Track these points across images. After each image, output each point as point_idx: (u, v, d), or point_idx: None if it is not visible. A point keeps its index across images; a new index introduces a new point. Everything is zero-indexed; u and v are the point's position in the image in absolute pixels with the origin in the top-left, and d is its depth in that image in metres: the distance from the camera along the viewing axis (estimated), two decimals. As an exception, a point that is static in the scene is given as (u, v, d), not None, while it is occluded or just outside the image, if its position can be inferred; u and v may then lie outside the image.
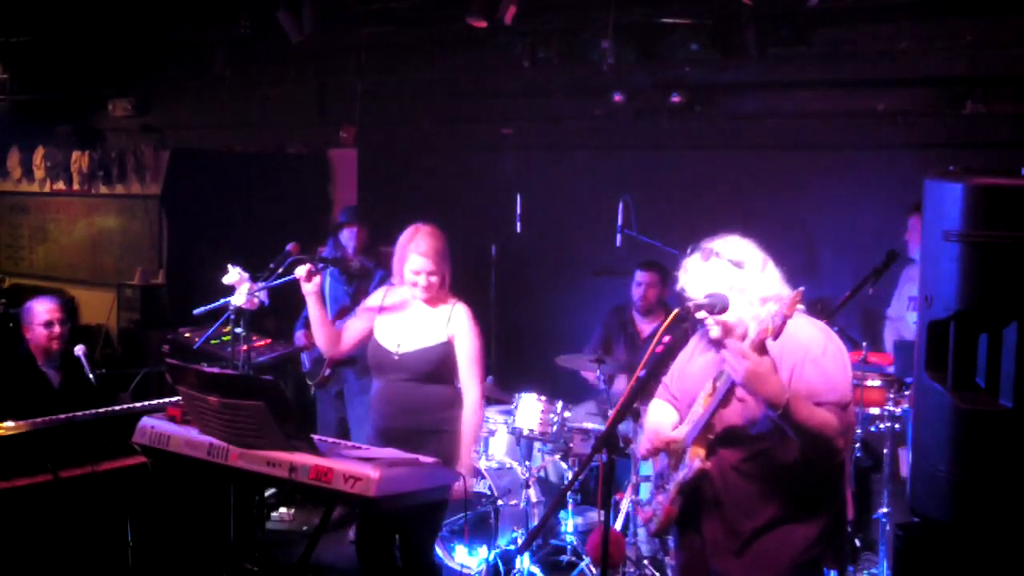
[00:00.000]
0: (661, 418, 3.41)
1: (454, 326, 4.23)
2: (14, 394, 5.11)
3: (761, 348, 2.93)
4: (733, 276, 3.13)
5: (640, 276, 6.19)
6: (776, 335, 2.90)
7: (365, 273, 5.80)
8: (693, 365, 3.34)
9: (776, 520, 3.13)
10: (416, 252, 4.18)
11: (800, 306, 3.12)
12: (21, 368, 5.30)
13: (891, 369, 5.10)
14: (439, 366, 4.22)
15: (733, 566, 3.19)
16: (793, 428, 2.98)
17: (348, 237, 6.14)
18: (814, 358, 3.09)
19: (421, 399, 4.21)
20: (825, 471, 3.15)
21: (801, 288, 3.02)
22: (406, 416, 4.20)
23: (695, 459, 3.14)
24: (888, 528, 4.87)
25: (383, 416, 4.28)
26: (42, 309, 5.32)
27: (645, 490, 5.26)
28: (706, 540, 3.24)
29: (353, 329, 4.37)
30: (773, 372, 2.93)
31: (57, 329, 5.32)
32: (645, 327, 6.26)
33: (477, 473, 5.45)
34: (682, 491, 3.20)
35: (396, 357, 4.23)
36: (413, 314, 4.28)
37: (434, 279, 4.21)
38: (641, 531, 5.31)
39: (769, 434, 3.08)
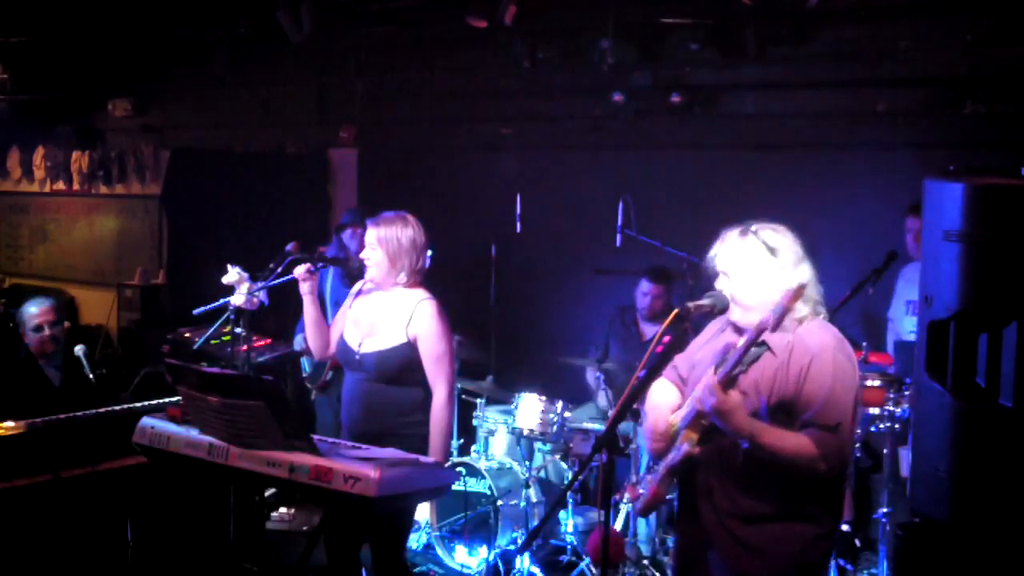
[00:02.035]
0: (661, 399, 3.39)
1: (416, 325, 4.10)
2: (16, 393, 5.10)
3: (728, 383, 2.98)
4: (764, 260, 3.12)
5: (647, 287, 6.16)
6: (774, 327, 2.91)
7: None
8: (704, 351, 3.33)
9: (769, 510, 3.11)
10: (371, 224, 4.19)
11: (820, 309, 3.12)
12: (22, 368, 5.29)
13: (891, 369, 5.10)
14: (400, 368, 4.10)
15: (729, 555, 3.18)
16: (765, 455, 2.99)
17: (350, 237, 6.12)
18: (817, 368, 3.03)
19: (383, 401, 4.11)
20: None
21: (803, 282, 3.01)
22: (368, 419, 4.13)
23: (685, 443, 3.14)
24: (888, 528, 4.87)
25: (348, 416, 4.23)
26: (32, 313, 5.31)
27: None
28: (703, 525, 3.24)
29: (335, 331, 4.34)
30: (738, 408, 2.97)
31: (47, 332, 5.28)
32: (648, 328, 6.26)
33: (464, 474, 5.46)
34: (671, 473, 3.19)
35: (357, 356, 4.17)
36: (378, 312, 4.20)
37: (375, 255, 4.15)
38: (642, 531, 5.31)
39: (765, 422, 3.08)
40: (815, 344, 3.06)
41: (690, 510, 3.27)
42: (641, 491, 3.31)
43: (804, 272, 3.14)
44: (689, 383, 3.37)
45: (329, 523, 4.21)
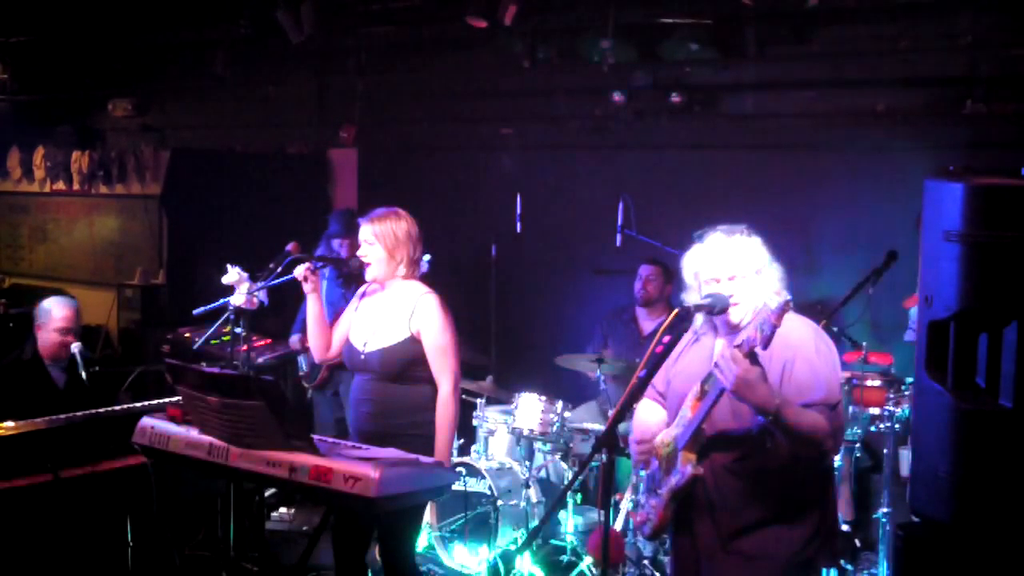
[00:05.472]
0: (647, 416, 3.42)
1: (418, 320, 4.11)
2: (20, 394, 5.07)
3: (752, 355, 2.94)
4: (760, 256, 3.19)
5: (642, 270, 6.28)
6: (765, 345, 2.89)
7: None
8: (681, 363, 3.33)
9: (767, 519, 3.13)
10: (364, 222, 4.20)
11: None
12: (28, 368, 5.25)
13: (892, 369, 5.11)
14: (405, 364, 4.10)
15: (725, 566, 3.18)
16: (783, 432, 2.98)
17: (339, 244, 6.10)
18: (805, 356, 3.09)
19: (391, 400, 4.11)
20: (814, 468, 3.18)
21: (788, 299, 3.01)
22: (376, 418, 4.13)
23: (687, 465, 3.13)
24: (888, 528, 4.87)
25: (355, 416, 4.24)
26: (61, 315, 5.17)
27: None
28: (698, 541, 3.23)
29: (338, 333, 4.34)
30: (762, 380, 2.93)
31: (71, 338, 5.20)
32: (647, 324, 6.27)
33: (475, 472, 5.46)
34: (675, 496, 3.19)
35: (362, 356, 4.17)
36: (381, 311, 4.21)
37: (374, 251, 4.16)
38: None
39: (759, 433, 3.08)
40: (795, 338, 3.11)
41: (686, 527, 3.27)
42: (647, 516, 3.31)
43: (776, 270, 3.22)
44: (669, 398, 3.37)
45: (334, 524, 4.21)
